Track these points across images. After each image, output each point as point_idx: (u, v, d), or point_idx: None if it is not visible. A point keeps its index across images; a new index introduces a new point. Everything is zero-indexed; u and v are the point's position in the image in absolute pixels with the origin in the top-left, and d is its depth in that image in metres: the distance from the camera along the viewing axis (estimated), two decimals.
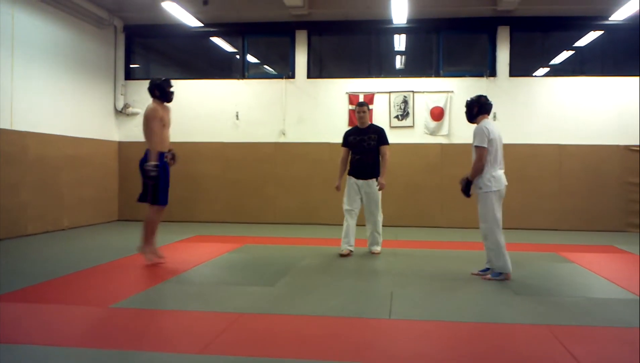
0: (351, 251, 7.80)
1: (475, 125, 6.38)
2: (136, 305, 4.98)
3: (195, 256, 7.57)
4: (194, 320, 4.54)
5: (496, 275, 6.25)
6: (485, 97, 6.47)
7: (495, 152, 6.16)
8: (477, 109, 6.38)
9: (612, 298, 5.54)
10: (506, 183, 6.26)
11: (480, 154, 6.13)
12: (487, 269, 6.42)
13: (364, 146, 7.74)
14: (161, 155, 6.79)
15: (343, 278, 6.36)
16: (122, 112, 12.47)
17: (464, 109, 6.57)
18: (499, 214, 6.16)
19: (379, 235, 7.95)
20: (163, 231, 10.30)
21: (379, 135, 7.78)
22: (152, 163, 6.62)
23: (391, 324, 4.51)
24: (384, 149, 7.76)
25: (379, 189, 7.71)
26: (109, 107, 12.36)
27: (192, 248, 8.54)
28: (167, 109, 6.97)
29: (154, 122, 6.68)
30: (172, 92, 6.98)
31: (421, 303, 5.23)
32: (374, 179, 7.70)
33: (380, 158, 7.78)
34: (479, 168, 6.16)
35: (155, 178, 6.64)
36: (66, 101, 10.79)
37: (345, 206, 7.87)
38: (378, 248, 7.94)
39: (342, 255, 7.70)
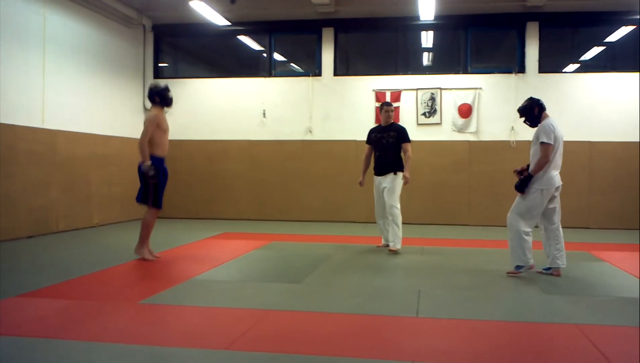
0: (387, 245, 7.97)
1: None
2: (165, 301, 5.03)
3: (223, 253, 7.63)
4: (222, 316, 4.57)
5: (518, 268, 6.23)
6: (535, 98, 6.46)
7: (555, 151, 6.12)
8: (538, 108, 6.33)
9: None
10: (560, 183, 6.23)
11: (546, 150, 6.05)
12: (550, 268, 6.32)
13: (383, 143, 7.84)
14: (160, 160, 6.93)
15: (370, 276, 6.36)
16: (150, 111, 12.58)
17: (522, 118, 6.48)
18: (535, 212, 6.14)
19: (398, 229, 7.74)
20: (191, 228, 10.45)
21: (399, 133, 7.86)
22: (147, 163, 6.77)
23: (418, 322, 4.49)
24: (406, 146, 7.82)
25: (404, 183, 7.73)
26: (138, 106, 12.50)
27: (220, 245, 8.61)
28: (164, 116, 7.11)
29: (152, 127, 6.82)
30: (171, 98, 7.13)
31: (449, 302, 5.19)
32: (393, 173, 7.73)
33: (403, 155, 7.84)
34: (543, 164, 6.09)
35: (154, 176, 6.76)
36: (96, 99, 10.95)
37: (375, 211, 8.07)
38: (397, 245, 7.74)
39: (378, 247, 8.10)
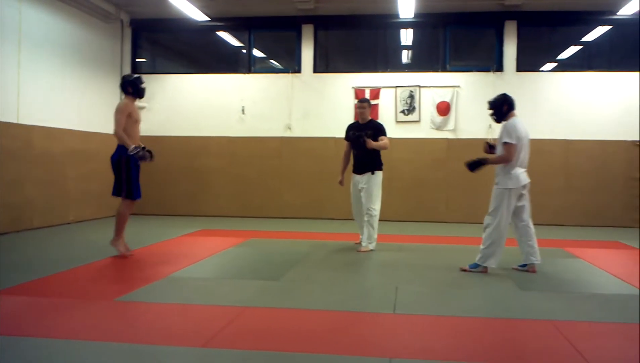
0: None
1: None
2: (141, 299, 5.00)
3: (200, 250, 7.59)
4: (198, 314, 4.55)
5: (473, 266, 6.31)
6: (508, 95, 6.46)
7: (520, 149, 6.18)
8: (507, 107, 6.36)
9: (617, 293, 5.53)
10: (527, 181, 6.32)
11: (509, 150, 6.14)
12: (525, 264, 6.39)
13: (360, 142, 7.64)
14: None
15: (348, 273, 6.38)
16: None
17: (490, 111, 6.49)
18: (507, 212, 6.17)
19: (374, 230, 7.66)
20: (169, 224, 10.38)
21: (375, 130, 7.69)
22: (132, 146, 6.73)
23: (396, 319, 4.51)
24: (383, 138, 7.64)
25: (363, 142, 7.52)
26: (116, 101, 12.20)
27: (198, 241, 8.56)
28: (136, 107, 7.08)
29: (122, 116, 6.79)
30: (144, 89, 7.11)
31: (426, 298, 5.23)
32: (371, 173, 7.63)
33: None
34: (504, 160, 6.18)
35: (144, 156, 6.79)
36: (72, 95, 10.82)
37: (352, 211, 8.05)
38: (370, 245, 7.64)
39: (356, 243, 8.00)
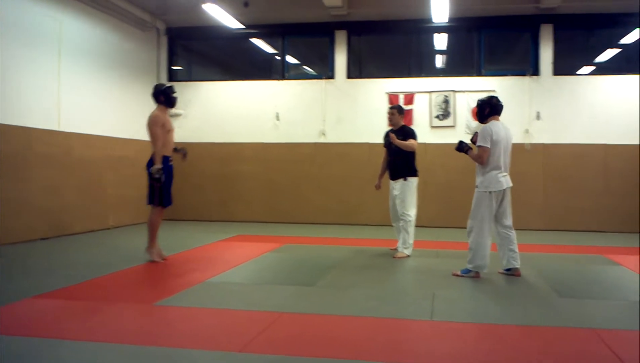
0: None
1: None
2: (179, 303, 5.05)
3: (237, 256, 7.65)
4: (235, 319, 4.58)
5: (465, 271, 6.31)
6: (497, 98, 6.49)
7: (499, 154, 6.19)
8: (489, 110, 6.38)
9: None
10: (509, 185, 6.29)
11: (481, 153, 6.20)
12: (510, 269, 6.38)
13: (393, 148, 7.69)
14: (165, 159, 6.98)
15: (384, 279, 6.35)
16: None
17: (476, 110, 6.57)
18: (489, 214, 6.19)
19: (409, 236, 7.64)
20: (204, 230, 10.48)
21: (405, 134, 7.69)
22: (157, 166, 6.82)
23: (433, 325, 4.47)
24: (412, 141, 7.66)
25: (387, 136, 7.68)
26: (153, 109, 12.52)
27: (234, 247, 8.63)
28: (168, 116, 7.19)
29: (156, 128, 6.92)
30: (175, 98, 7.21)
31: (464, 305, 5.17)
32: (403, 179, 7.62)
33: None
34: (477, 161, 6.30)
35: (159, 180, 6.83)
36: (110, 102, 11.03)
37: (390, 213, 7.97)
38: (406, 251, 7.63)
39: (392, 249, 8.00)
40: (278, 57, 12.87)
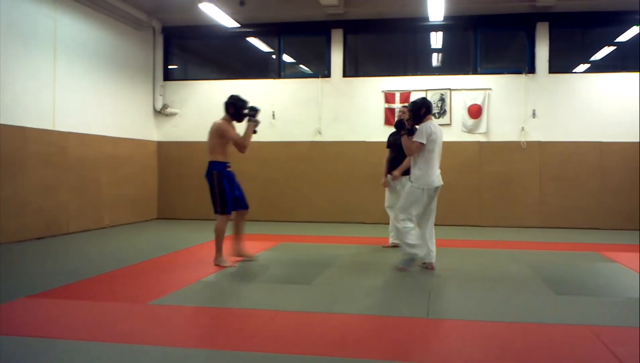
0: (395, 244, 7.96)
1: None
2: (175, 302, 5.04)
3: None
4: (232, 317, 4.58)
5: (405, 262, 6.61)
6: (428, 99, 6.98)
7: (432, 151, 6.55)
8: (425, 110, 6.70)
9: None
10: (440, 183, 6.65)
11: (414, 147, 6.55)
12: (425, 262, 6.71)
13: (398, 145, 7.75)
14: (223, 165, 6.94)
15: (380, 277, 6.35)
16: (160, 113, 12.66)
17: (410, 112, 6.86)
18: (416, 210, 6.54)
19: (407, 246, 7.81)
20: (200, 229, 10.45)
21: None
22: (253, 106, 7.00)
23: (429, 323, 4.48)
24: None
25: (392, 179, 8.01)
26: (148, 108, 12.56)
27: (230, 246, 8.59)
28: (233, 126, 7.05)
29: (233, 131, 6.93)
30: (244, 115, 7.02)
31: (460, 303, 5.18)
32: (406, 177, 7.64)
33: None
34: (408, 150, 6.69)
35: (255, 112, 6.98)
36: (106, 101, 11.00)
37: (385, 204, 8.31)
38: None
39: (384, 247, 8.20)
40: (274, 56, 12.86)
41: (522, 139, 11.50)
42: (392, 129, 8.41)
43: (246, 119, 6.94)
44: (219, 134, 6.85)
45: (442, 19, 11.06)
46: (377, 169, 8.19)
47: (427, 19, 11.13)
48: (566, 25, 11.85)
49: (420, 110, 6.71)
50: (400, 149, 7.72)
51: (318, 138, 12.26)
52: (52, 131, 9.45)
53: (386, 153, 8.32)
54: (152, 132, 12.62)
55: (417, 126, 6.67)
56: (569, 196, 11.34)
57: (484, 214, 11.58)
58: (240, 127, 6.98)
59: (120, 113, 11.46)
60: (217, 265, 6.84)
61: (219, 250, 6.94)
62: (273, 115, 12.37)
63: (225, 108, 7.00)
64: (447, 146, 11.63)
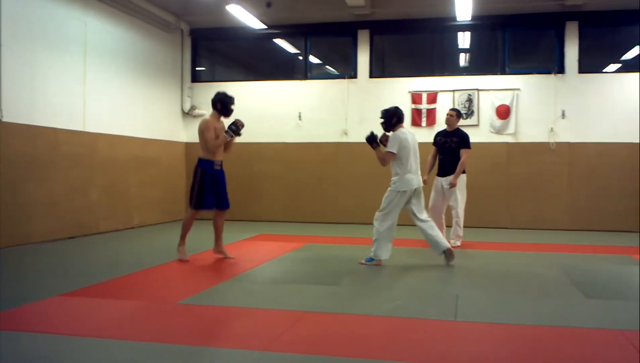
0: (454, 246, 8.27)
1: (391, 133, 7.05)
2: (203, 302, 5.09)
3: (260, 255, 7.68)
4: (259, 317, 4.60)
5: (369, 260, 6.93)
6: (400, 108, 7.15)
7: (407, 157, 6.85)
8: (397, 119, 7.02)
9: None
10: (419, 185, 6.97)
11: (387, 157, 6.92)
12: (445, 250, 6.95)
13: (446, 148, 8.52)
14: (210, 163, 7.06)
15: (408, 278, 6.32)
16: (188, 114, 12.77)
17: (381, 119, 7.13)
18: (395, 211, 6.89)
19: (460, 228, 8.58)
20: (227, 229, 10.46)
21: (461, 138, 8.47)
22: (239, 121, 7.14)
23: (457, 326, 4.44)
24: (462, 151, 8.41)
25: (450, 188, 8.35)
26: (177, 109, 12.69)
27: (257, 246, 8.66)
28: (221, 122, 7.20)
29: (208, 133, 6.97)
30: (231, 110, 7.26)
31: (488, 305, 5.12)
32: (450, 176, 8.38)
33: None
34: (381, 161, 7.05)
35: (237, 128, 7.10)
36: (135, 103, 11.15)
37: (429, 207, 8.46)
38: (458, 242, 8.47)
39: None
40: (300, 57, 12.89)
41: (552, 140, 11.36)
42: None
43: (227, 127, 7.07)
44: (200, 132, 7.06)
45: (469, 18, 10.99)
46: None
47: (454, 18, 11.06)
48: (596, 24, 11.66)
49: (392, 118, 7.02)
50: (447, 152, 8.53)
51: (344, 139, 12.26)
52: (82, 132, 9.60)
53: (432, 150, 8.79)
54: (180, 133, 12.75)
55: (388, 134, 7.03)
56: (599, 198, 11.16)
57: (512, 216, 11.45)
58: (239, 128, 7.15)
59: (149, 114, 11.59)
60: (178, 252, 7.18)
61: (181, 239, 7.22)
62: (299, 116, 12.40)
63: (212, 105, 7.20)
64: (475, 147, 11.55)
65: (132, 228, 10.82)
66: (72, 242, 8.93)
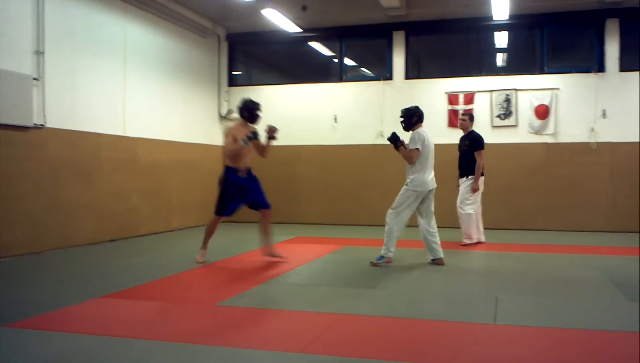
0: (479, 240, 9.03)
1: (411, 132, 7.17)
2: (241, 304, 5.15)
3: (297, 257, 7.71)
4: (297, 320, 4.63)
5: (379, 258, 6.99)
6: (420, 108, 7.24)
7: (427, 156, 6.97)
8: (417, 118, 7.15)
9: None
10: (434, 186, 7.07)
11: (413, 154, 6.96)
12: (435, 259, 7.14)
13: (461, 150, 9.03)
14: (233, 171, 7.13)
15: (446, 281, 6.29)
16: (226, 118, 12.91)
17: (401, 118, 7.25)
18: (408, 210, 7.00)
19: (470, 227, 8.88)
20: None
21: (472, 141, 8.84)
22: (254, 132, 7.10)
23: (496, 329, 4.40)
24: (475, 154, 8.75)
25: (472, 193, 8.78)
26: (214, 113, 12.85)
27: (294, 249, 8.70)
28: (248, 128, 7.22)
29: (228, 139, 7.11)
30: (258, 116, 7.34)
31: (528, 309, 5.07)
32: (466, 177, 8.84)
33: None
34: (407, 159, 7.04)
35: (254, 136, 7.07)
36: (173, 107, 11.33)
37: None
38: (466, 240, 8.88)
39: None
40: (336, 60, 12.92)
41: (592, 140, 11.14)
42: (456, 131, 8.77)
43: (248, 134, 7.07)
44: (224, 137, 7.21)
45: (506, 17, 10.85)
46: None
47: (490, 18, 10.94)
48: (637, 21, 11.39)
49: (412, 118, 7.15)
50: (462, 154, 8.91)
51: (380, 141, 12.22)
52: (122, 136, 9.81)
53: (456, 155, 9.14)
54: (218, 137, 12.88)
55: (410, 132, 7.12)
56: None
57: (552, 217, 11.26)
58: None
59: (187, 119, 11.77)
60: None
61: (203, 243, 7.35)
62: (335, 118, 12.42)
63: (239, 113, 7.33)
64: (513, 147, 11.50)
65: (172, 230, 11.00)
66: (114, 245, 9.12)
